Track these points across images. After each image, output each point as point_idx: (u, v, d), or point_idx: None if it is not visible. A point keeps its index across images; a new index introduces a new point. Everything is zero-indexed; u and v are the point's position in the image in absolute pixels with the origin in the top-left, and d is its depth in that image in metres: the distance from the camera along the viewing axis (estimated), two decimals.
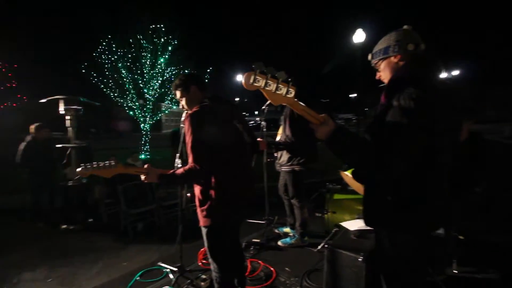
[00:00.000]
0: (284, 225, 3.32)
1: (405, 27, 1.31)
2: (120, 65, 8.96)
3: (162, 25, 8.81)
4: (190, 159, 1.51)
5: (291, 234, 3.07)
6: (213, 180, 1.57)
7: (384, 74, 1.32)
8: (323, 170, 4.16)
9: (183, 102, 1.77)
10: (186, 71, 9.90)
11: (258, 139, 2.64)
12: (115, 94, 9.37)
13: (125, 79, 9.18)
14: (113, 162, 1.59)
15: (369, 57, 1.38)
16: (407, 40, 1.23)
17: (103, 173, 1.57)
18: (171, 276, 2.43)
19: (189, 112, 1.59)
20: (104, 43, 8.64)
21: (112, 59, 8.82)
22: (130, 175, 4.74)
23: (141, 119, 9.74)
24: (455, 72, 21.62)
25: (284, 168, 2.81)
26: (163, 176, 1.60)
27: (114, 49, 8.72)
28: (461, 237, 2.44)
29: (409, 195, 1.18)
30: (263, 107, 3.22)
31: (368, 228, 2.09)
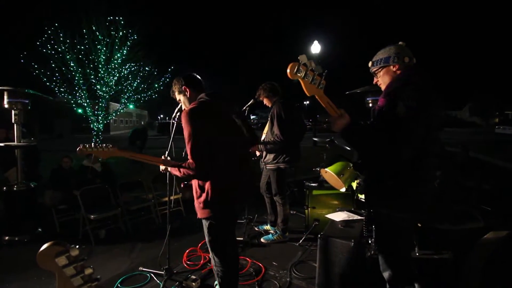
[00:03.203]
0: (263, 223, 3.40)
1: (400, 43, 1.55)
2: (68, 57, 8.01)
3: (121, 18, 8.18)
4: (189, 155, 1.53)
5: (272, 231, 3.16)
6: (211, 172, 1.58)
7: (382, 79, 1.54)
8: (296, 170, 4.38)
9: (182, 103, 1.82)
10: (147, 68, 9.35)
11: None
12: (61, 89, 8.34)
13: (74, 73, 8.23)
14: (110, 146, 1.64)
15: (370, 64, 1.58)
16: (404, 53, 1.48)
17: (99, 154, 1.62)
18: (156, 280, 2.30)
19: (186, 109, 1.59)
20: (49, 32, 7.63)
21: (59, 50, 7.84)
22: (88, 178, 4.32)
23: (93, 118, 8.83)
24: None
25: (270, 166, 2.90)
26: (175, 166, 1.64)
27: (62, 39, 7.77)
28: (419, 225, 2.83)
29: (405, 180, 1.40)
30: (244, 108, 3.29)
31: (352, 218, 2.32)
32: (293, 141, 2.84)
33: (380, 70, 1.52)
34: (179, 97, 1.80)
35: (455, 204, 3.97)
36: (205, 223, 1.67)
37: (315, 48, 11.59)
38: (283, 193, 2.93)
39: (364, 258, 2.23)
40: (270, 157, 2.86)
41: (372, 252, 2.63)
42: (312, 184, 3.19)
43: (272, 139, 2.75)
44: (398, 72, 1.47)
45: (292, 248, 2.84)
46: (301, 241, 2.91)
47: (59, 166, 4.38)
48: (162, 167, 1.75)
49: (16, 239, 3.46)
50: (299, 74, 1.13)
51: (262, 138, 2.98)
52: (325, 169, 2.79)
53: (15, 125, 3.61)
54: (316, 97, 1.22)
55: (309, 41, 11.81)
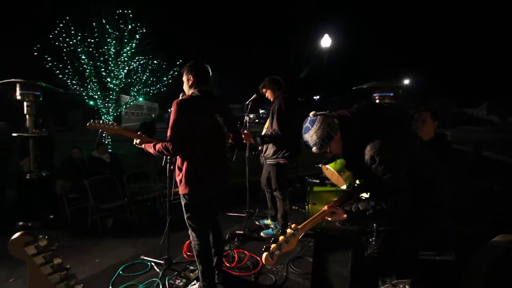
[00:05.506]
0: (265, 217, 3.42)
1: (313, 112, 1.49)
2: (80, 50, 8.15)
3: (129, 11, 8.25)
4: (167, 137, 1.76)
5: (272, 226, 3.17)
6: (188, 157, 1.83)
7: (336, 149, 1.50)
8: (298, 166, 4.36)
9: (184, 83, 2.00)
10: (155, 61, 9.41)
11: (245, 132, 2.71)
12: (73, 82, 8.52)
13: (85, 66, 8.38)
14: (114, 124, 1.95)
15: (316, 150, 1.48)
16: (329, 118, 1.44)
17: (107, 130, 1.93)
18: (156, 269, 2.37)
19: (178, 99, 1.82)
20: (61, 25, 7.77)
21: (71, 43, 7.99)
22: (96, 169, 4.46)
23: (103, 110, 9.01)
24: (406, 81, 24.00)
25: (269, 161, 2.89)
26: (148, 142, 1.91)
27: (73, 32, 7.89)
28: None
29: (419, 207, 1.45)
30: (247, 102, 3.28)
31: None
32: (293, 137, 2.82)
33: (328, 147, 1.47)
34: (184, 78, 1.99)
35: (465, 205, 3.86)
36: (182, 200, 1.93)
37: (325, 42, 11.37)
38: (282, 188, 2.92)
39: (362, 257, 2.21)
40: (270, 152, 2.86)
41: (371, 251, 2.61)
42: (313, 181, 3.17)
43: (271, 134, 2.75)
44: (344, 135, 1.45)
45: None
46: (300, 236, 2.91)
47: (70, 156, 4.52)
48: (136, 141, 1.95)
49: (29, 225, 3.61)
50: (276, 256, 1.25)
51: (263, 133, 2.98)
52: (326, 166, 2.77)
53: (27, 116, 3.74)
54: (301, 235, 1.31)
55: (319, 35, 11.60)
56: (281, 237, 1.24)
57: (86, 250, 3.00)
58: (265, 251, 1.20)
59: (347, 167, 1.67)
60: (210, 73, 1.95)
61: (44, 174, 3.94)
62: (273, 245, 1.22)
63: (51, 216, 3.87)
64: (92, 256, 2.86)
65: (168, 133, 1.75)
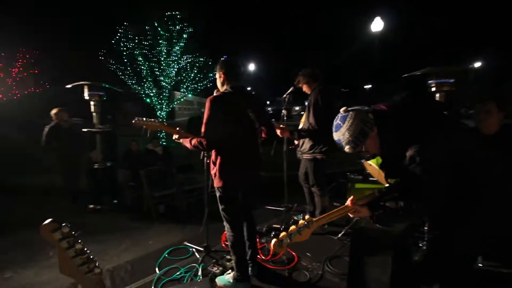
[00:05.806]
0: (303, 212, 3.37)
1: (344, 108, 1.37)
2: (136, 52, 9.04)
3: (177, 12, 8.81)
4: (202, 133, 1.85)
5: None
6: (220, 151, 1.90)
7: (373, 148, 1.34)
8: (342, 160, 4.16)
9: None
10: (201, 59, 9.91)
11: (281, 125, 2.68)
12: (133, 82, 9.52)
13: (142, 67, 9.28)
14: (156, 121, 2.12)
15: (349, 150, 1.35)
16: (362, 113, 1.29)
17: (150, 126, 2.09)
18: (197, 255, 2.55)
19: (211, 96, 1.88)
20: (121, 31, 8.70)
21: (129, 46, 8.91)
22: (150, 160, 4.85)
23: (158, 106, 9.91)
24: (477, 64, 20.63)
25: (306, 156, 2.82)
26: (186, 137, 2.00)
27: (130, 36, 8.78)
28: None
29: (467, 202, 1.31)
30: (284, 96, 3.23)
31: None
32: (331, 131, 2.68)
33: (363, 145, 1.31)
34: (216, 75, 2.05)
35: None
36: (216, 192, 2.01)
37: (377, 25, 10.39)
38: (320, 184, 2.82)
39: (406, 262, 2.02)
40: (306, 146, 2.77)
41: (419, 257, 2.37)
42: (356, 177, 2.99)
43: (307, 128, 2.66)
44: (381, 132, 1.30)
45: (330, 242, 2.75)
46: (340, 235, 2.79)
47: (129, 149, 5.09)
48: (175, 136, 2.05)
49: (98, 207, 4.22)
50: (285, 245, 1.22)
51: (300, 127, 2.90)
52: (369, 162, 2.58)
53: (94, 113, 4.32)
54: (314, 230, 1.28)
55: (370, 18, 10.66)
56: (292, 227, 1.21)
57: (142, 232, 3.38)
58: (274, 237, 1.20)
59: (382, 166, 1.54)
60: (242, 69, 1.99)
61: (108, 165, 4.56)
62: (282, 233, 1.20)
63: (115, 201, 4.46)
64: (146, 238, 3.22)
65: (202, 129, 1.84)
